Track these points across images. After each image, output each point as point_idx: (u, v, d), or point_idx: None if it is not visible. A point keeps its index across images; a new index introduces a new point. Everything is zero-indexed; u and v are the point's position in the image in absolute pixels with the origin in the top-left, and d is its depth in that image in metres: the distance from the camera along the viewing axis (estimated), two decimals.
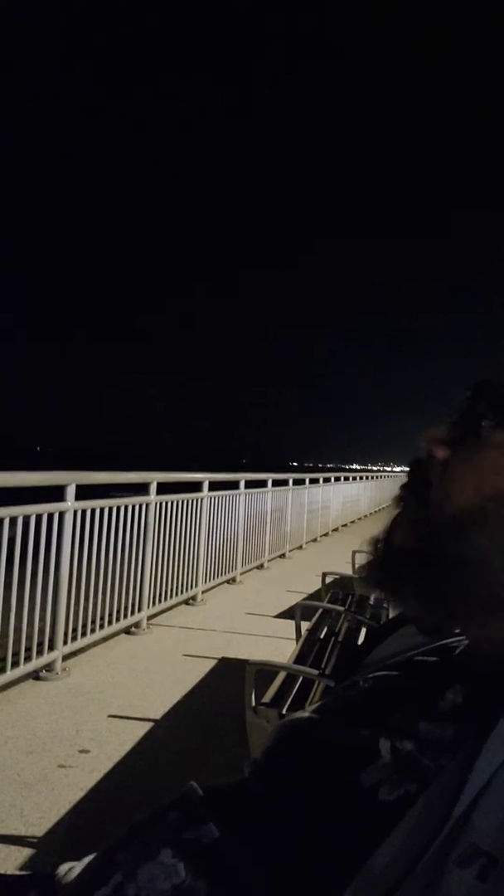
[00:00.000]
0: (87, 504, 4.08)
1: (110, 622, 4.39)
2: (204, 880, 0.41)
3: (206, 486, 6.18)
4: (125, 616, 4.59)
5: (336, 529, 12.96)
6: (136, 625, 4.75)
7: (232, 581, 6.94)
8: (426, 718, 0.44)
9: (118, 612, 4.50)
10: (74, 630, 3.97)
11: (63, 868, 0.47)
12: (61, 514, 3.82)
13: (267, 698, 2.39)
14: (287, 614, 5.31)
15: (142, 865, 0.42)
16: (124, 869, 0.42)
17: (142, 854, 0.43)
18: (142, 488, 4.97)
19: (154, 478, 5.06)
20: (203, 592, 6.05)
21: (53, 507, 3.76)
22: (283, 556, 9.00)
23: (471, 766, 0.37)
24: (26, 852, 2.10)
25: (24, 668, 3.45)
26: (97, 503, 4.21)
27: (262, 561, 8.07)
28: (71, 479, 3.88)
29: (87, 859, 0.47)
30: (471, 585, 0.43)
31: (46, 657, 3.65)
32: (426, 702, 0.45)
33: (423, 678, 0.49)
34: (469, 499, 0.45)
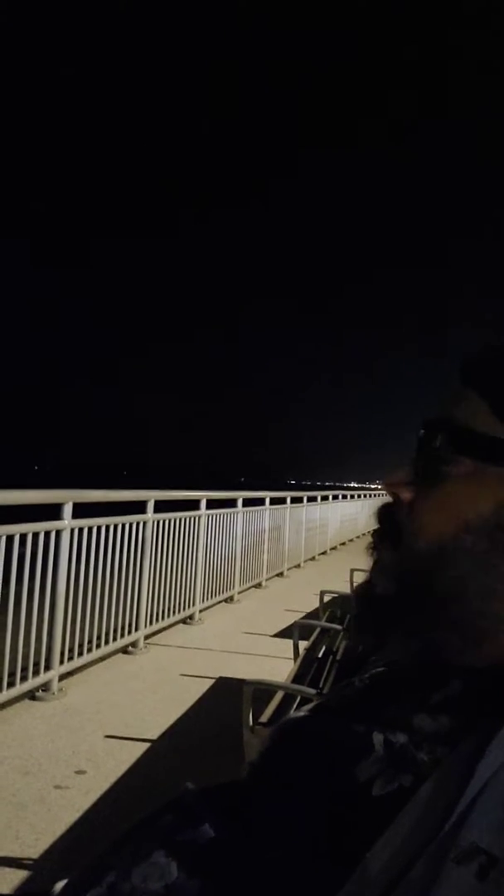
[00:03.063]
0: (85, 522, 4.07)
1: (107, 641, 4.36)
2: (197, 880, 0.41)
3: (203, 504, 6.18)
4: (122, 635, 4.56)
5: (334, 548, 12.91)
6: (133, 644, 4.72)
7: (230, 600, 6.91)
8: (420, 712, 0.44)
9: (115, 631, 4.47)
10: (71, 649, 3.95)
11: (58, 886, 0.47)
12: (58, 533, 3.81)
13: (264, 718, 2.38)
14: (285, 633, 5.27)
15: (136, 866, 0.43)
16: (118, 869, 0.43)
17: (135, 854, 0.43)
18: (139, 506, 4.98)
19: (151, 496, 5.06)
20: (201, 611, 6.01)
21: (50, 525, 3.76)
22: (281, 574, 8.96)
23: (471, 764, 0.37)
24: (22, 874, 2.08)
25: (20, 688, 3.43)
26: (94, 521, 4.20)
27: (261, 580, 8.04)
28: (68, 497, 3.88)
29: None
30: (448, 618, 0.45)
31: (42, 677, 3.62)
32: (421, 696, 0.46)
33: (418, 675, 0.50)
34: (436, 534, 0.46)
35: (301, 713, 0.53)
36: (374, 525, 0.55)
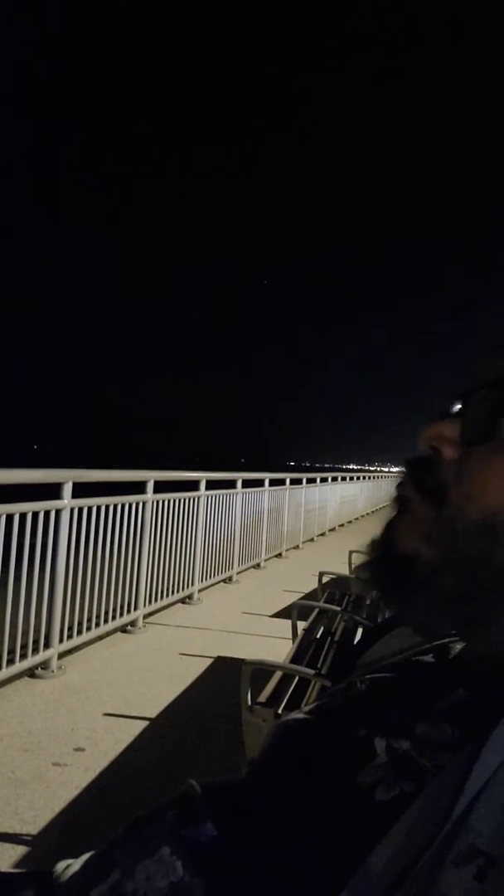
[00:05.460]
0: (84, 502, 4.07)
1: (106, 620, 4.38)
2: (201, 878, 0.41)
3: (203, 484, 6.18)
4: (121, 614, 4.59)
5: (333, 529, 12.98)
6: (133, 623, 4.75)
7: (229, 580, 6.94)
8: (423, 719, 0.44)
9: (114, 610, 4.50)
10: (70, 628, 3.97)
11: (60, 866, 0.47)
12: (58, 512, 3.81)
13: (263, 698, 2.39)
14: (283, 614, 5.31)
15: (139, 863, 0.42)
16: (122, 866, 0.42)
17: (140, 852, 0.43)
18: (139, 487, 4.98)
19: (151, 476, 5.05)
20: (200, 591, 6.04)
21: (50, 504, 3.76)
22: (280, 555, 9.01)
23: (470, 767, 0.37)
24: (21, 850, 2.10)
25: (19, 666, 3.45)
26: (94, 501, 4.20)
27: (259, 560, 8.07)
28: (68, 477, 3.88)
29: (84, 857, 0.46)
30: (498, 588, 0.41)
31: (42, 655, 3.64)
32: (424, 702, 0.45)
33: (420, 679, 0.49)
34: (493, 505, 0.42)
35: (302, 714, 0.52)
36: (404, 475, 0.48)
